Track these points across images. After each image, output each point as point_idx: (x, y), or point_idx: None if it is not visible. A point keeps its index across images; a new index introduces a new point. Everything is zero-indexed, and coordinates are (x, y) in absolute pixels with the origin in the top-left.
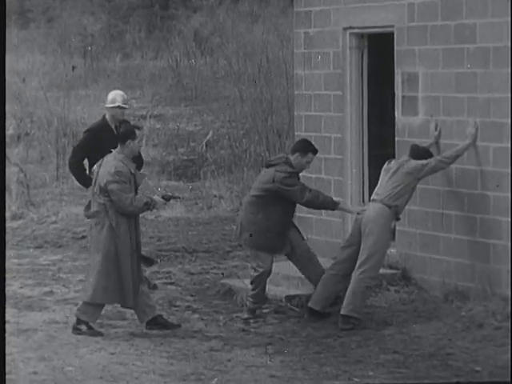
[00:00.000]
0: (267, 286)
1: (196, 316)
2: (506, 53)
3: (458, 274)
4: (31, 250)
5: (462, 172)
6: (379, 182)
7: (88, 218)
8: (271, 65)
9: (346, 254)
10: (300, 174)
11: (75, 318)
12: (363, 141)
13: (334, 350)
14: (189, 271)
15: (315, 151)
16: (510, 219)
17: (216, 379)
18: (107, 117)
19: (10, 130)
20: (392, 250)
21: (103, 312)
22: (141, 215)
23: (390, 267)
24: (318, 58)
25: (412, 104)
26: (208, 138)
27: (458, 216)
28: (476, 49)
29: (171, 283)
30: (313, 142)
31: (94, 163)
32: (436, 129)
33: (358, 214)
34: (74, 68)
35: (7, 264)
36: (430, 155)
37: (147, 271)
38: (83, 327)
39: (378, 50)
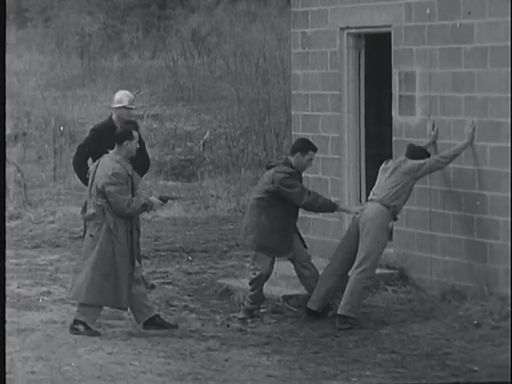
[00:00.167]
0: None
1: (193, 316)
2: (503, 52)
3: (456, 273)
4: (28, 250)
5: (460, 171)
6: (377, 181)
7: (85, 221)
8: (268, 64)
9: (343, 253)
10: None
11: (73, 318)
12: (360, 140)
13: (332, 349)
14: (186, 271)
15: (315, 149)
16: (510, 219)
17: None
18: (113, 117)
19: (7, 130)
20: (390, 250)
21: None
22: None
23: (388, 267)
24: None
25: (409, 104)
26: (205, 137)
27: (456, 216)
28: (473, 48)
29: (168, 283)
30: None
31: None
32: (433, 128)
33: (356, 213)
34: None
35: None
36: (427, 155)
37: (144, 271)
38: (80, 327)
39: (376, 50)
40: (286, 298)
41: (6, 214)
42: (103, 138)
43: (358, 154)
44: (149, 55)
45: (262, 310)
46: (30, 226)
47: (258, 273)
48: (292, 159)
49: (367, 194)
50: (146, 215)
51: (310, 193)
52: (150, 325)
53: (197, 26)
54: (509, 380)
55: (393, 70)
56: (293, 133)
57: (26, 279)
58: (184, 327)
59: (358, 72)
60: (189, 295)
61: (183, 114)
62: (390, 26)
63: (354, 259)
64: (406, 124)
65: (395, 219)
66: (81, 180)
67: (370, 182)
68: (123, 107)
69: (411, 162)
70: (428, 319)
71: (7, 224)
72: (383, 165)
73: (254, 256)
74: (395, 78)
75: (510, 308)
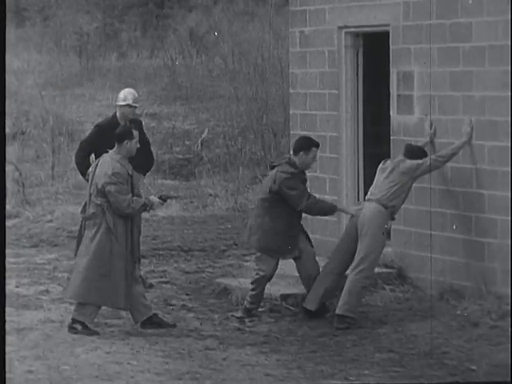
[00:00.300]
0: None
1: (191, 315)
2: (501, 51)
3: (454, 272)
4: (27, 249)
5: (458, 170)
6: (374, 181)
7: (85, 220)
8: (266, 63)
9: (341, 253)
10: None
11: (71, 317)
12: (358, 139)
13: (330, 348)
14: (184, 270)
15: (318, 145)
16: (510, 218)
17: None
18: (117, 114)
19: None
20: (387, 249)
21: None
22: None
23: (386, 266)
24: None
25: (407, 103)
26: (203, 136)
27: (453, 215)
28: (471, 47)
29: (166, 282)
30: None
31: None
32: (431, 127)
33: (352, 215)
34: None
35: None
36: (425, 154)
37: (142, 271)
38: (78, 326)
39: (374, 49)
40: (284, 297)
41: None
42: (106, 134)
43: (355, 153)
44: (147, 54)
45: (260, 309)
46: (28, 224)
47: (261, 273)
48: (296, 159)
49: (365, 193)
50: (144, 214)
51: (309, 197)
52: (148, 324)
53: (195, 25)
54: (509, 380)
55: (391, 69)
56: (291, 132)
57: (24, 278)
58: (182, 326)
59: (356, 71)
60: (187, 294)
61: (181, 113)
62: (388, 25)
63: (352, 259)
64: (404, 123)
65: (393, 219)
66: (82, 175)
67: (368, 181)
68: (127, 105)
69: (409, 162)
70: (426, 318)
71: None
72: (381, 164)
73: (258, 257)
74: (393, 77)
75: (508, 307)
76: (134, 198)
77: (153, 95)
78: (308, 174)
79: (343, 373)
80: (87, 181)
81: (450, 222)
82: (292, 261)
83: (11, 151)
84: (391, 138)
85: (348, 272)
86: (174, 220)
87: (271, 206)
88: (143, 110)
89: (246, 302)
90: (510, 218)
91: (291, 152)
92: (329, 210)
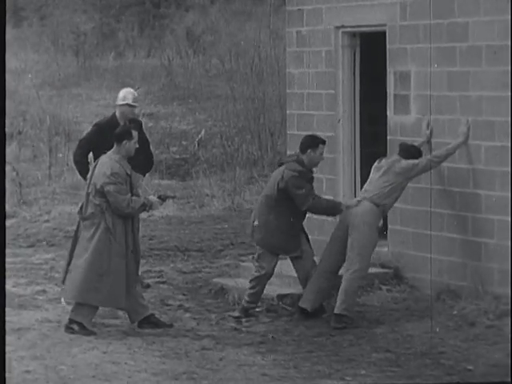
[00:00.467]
0: None
1: (188, 315)
2: (498, 51)
3: (450, 272)
4: (24, 249)
5: (454, 171)
6: (369, 179)
7: (83, 220)
8: (263, 63)
9: (331, 251)
10: None
11: (68, 317)
12: (355, 139)
13: (326, 348)
14: (181, 270)
15: (324, 142)
16: (509, 219)
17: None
18: (117, 114)
19: None
20: (384, 249)
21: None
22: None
23: (383, 266)
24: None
25: (404, 103)
26: (200, 136)
27: (450, 215)
28: (468, 47)
29: (163, 282)
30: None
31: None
32: (428, 127)
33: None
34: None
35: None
36: (420, 153)
37: (139, 270)
38: (76, 326)
39: (370, 49)
40: (281, 296)
41: None
42: (105, 134)
43: (352, 153)
44: (144, 54)
45: (257, 309)
46: (25, 224)
47: (262, 271)
48: (304, 157)
49: None
50: (140, 214)
51: (314, 197)
52: (145, 324)
53: (191, 25)
54: (509, 380)
55: (388, 69)
56: (288, 132)
57: (21, 278)
58: (179, 326)
59: (352, 71)
60: (183, 294)
61: (178, 113)
62: (384, 25)
63: (344, 257)
64: (400, 123)
65: (385, 216)
66: (80, 173)
67: (365, 181)
68: (126, 104)
69: (405, 162)
70: (422, 318)
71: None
72: (376, 163)
73: (260, 254)
74: (390, 77)
75: (504, 307)
76: (134, 197)
77: (150, 95)
78: None
79: (340, 373)
80: (85, 179)
81: (446, 222)
82: (289, 261)
83: (8, 151)
84: (388, 137)
85: (342, 272)
86: (171, 220)
87: (277, 204)
88: (140, 110)
89: (243, 300)
90: (509, 219)
91: (298, 151)
92: (334, 209)
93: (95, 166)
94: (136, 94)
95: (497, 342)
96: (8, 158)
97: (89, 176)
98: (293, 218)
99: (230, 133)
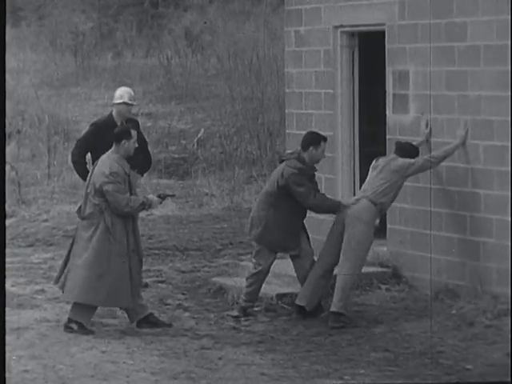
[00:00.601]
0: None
1: (187, 314)
2: (496, 51)
3: (449, 272)
4: (22, 249)
5: (453, 170)
6: (367, 178)
7: (82, 220)
8: (262, 63)
9: (328, 249)
10: None
11: (67, 317)
12: (354, 139)
13: (325, 348)
14: (180, 269)
15: (325, 139)
16: (509, 219)
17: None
18: (113, 113)
19: None
20: (383, 248)
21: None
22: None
23: (381, 265)
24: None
25: (403, 102)
26: (199, 136)
27: (449, 214)
28: (467, 47)
29: (162, 281)
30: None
31: (97, 157)
32: (427, 127)
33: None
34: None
35: None
36: (417, 152)
37: None
38: (74, 326)
39: (369, 49)
40: (280, 296)
41: None
42: (103, 133)
43: (351, 152)
44: (142, 54)
45: (255, 309)
46: (24, 224)
47: (259, 268)
48: (305, 154)
49: None
50: (139, 213)
51: (316, 195)
52: (143, 323)
53: (190, 25)
54: (508, 379)
55: (386, 69)
56: (286, 131)
57: (20, 277)
58: (178, 326)
59: (351, 70)
60: (182, 294)
61: (177, 113)
62: (383, 25)
63: (338, 254)
64: (399, 122)
65: (384, 216)
66: (77, 173)
67: (364, 180)
68: (123, 103)
69: (401, 161)
70: (421, 318)
71: None
72: (374, 162)
73: (258, 251)
74: (389, 77)
75: (503, 306)
76: (133, 196)
77: (148, 95)
78: None
79: (338, 372)
80: (83, 178)
81: (445, 221)
82: (288, 260)
83: (7, 150)
84: (387, 137)
85: (338, 270)
86: (170, 219)
87: (277, 201)
88: (139, 110)
89: (241, 300)
90: (509, 218)
91: (299, 148)
92: (336, 207)
93: (94, 166)
94: (132, 93)
95: (495, 342)
96: (7, 157)
97: (88, 176)
98: (292, 215)
99: (228, 132)
